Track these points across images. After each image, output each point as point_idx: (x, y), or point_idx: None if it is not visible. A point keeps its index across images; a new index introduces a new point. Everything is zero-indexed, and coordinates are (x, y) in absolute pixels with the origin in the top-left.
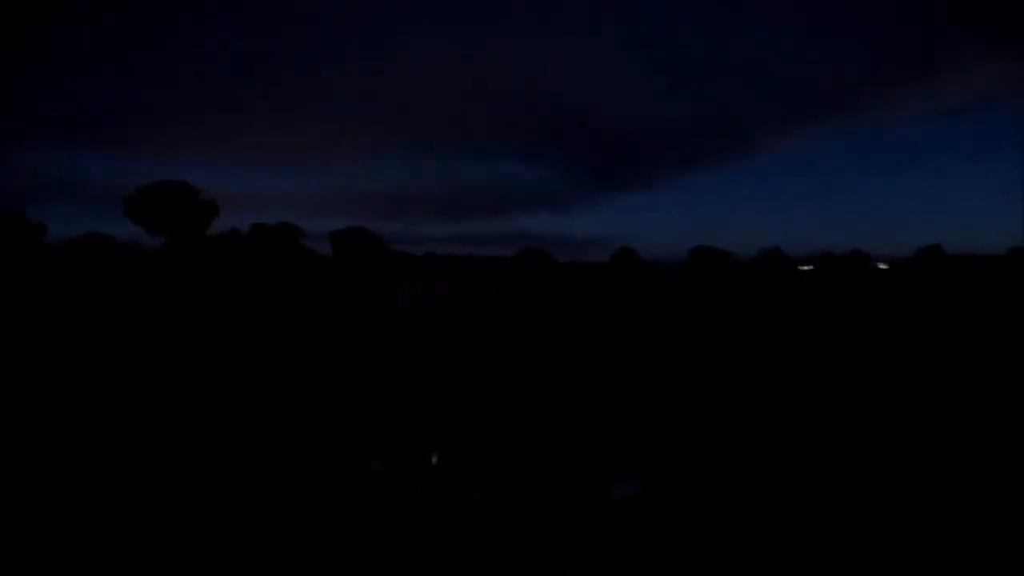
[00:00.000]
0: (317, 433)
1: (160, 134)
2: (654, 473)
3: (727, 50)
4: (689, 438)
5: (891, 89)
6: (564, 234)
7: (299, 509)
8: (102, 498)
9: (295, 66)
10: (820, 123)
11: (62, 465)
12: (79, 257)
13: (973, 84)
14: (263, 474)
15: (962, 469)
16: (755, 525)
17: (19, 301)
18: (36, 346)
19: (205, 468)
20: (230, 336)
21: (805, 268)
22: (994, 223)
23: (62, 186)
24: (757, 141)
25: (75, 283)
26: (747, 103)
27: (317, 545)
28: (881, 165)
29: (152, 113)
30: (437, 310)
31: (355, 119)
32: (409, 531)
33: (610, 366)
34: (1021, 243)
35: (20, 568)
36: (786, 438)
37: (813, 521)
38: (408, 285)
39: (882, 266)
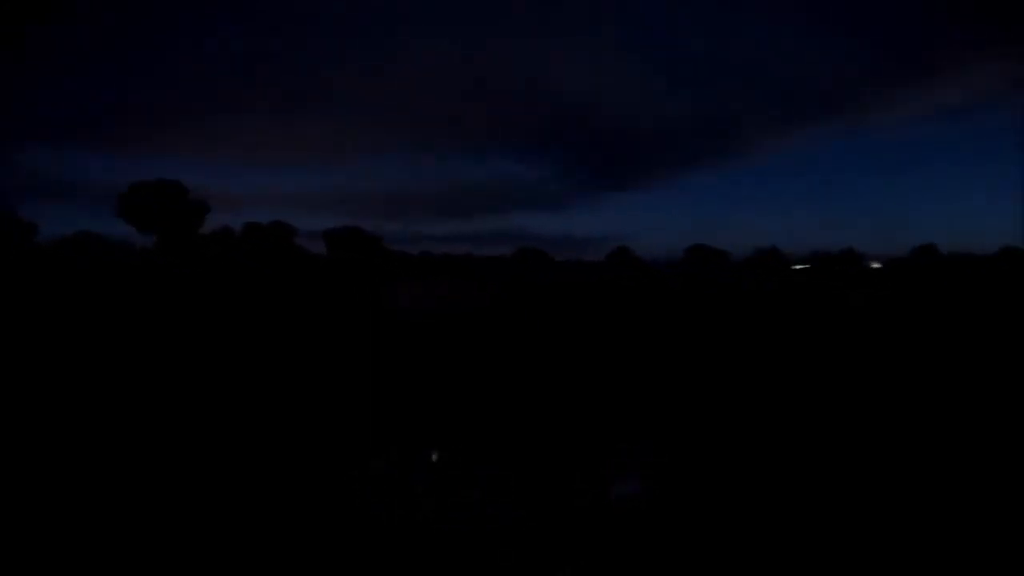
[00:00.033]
0: (317, 433)
1: (160, 134)
2: (654, 473)
3: (726, 50)
4: (689, 438)
5: (890, 89)
6: (560, 233)
7: (299, 509)
8: (101, 499)
9: (295, 66)
10: (818, 123)
11: (60, 466)
12: (70, 256)
13: (972, 84)
14: (263, 474)
15: (961, 469)
16: (755, 525)
17: (7, 302)
18: (27, 347)
19: (205, 468)
20: (229, 335)
21: (799, 267)
22: (993, 222)
23: (62, 186)
24: (755, 141)
25: (66, 283)
26: (745, 103)
27: (317, 545)
28: (878, 165)
29: (152, 113)
30: (437, 310)
31: (355, 119)
32: (409, 531)
33: (610, 366)
34: (1016, 242)
35: (20, 568)
36: (786, 438)
37: (813, 521)
38: (408, 285)
39: (875, 265)
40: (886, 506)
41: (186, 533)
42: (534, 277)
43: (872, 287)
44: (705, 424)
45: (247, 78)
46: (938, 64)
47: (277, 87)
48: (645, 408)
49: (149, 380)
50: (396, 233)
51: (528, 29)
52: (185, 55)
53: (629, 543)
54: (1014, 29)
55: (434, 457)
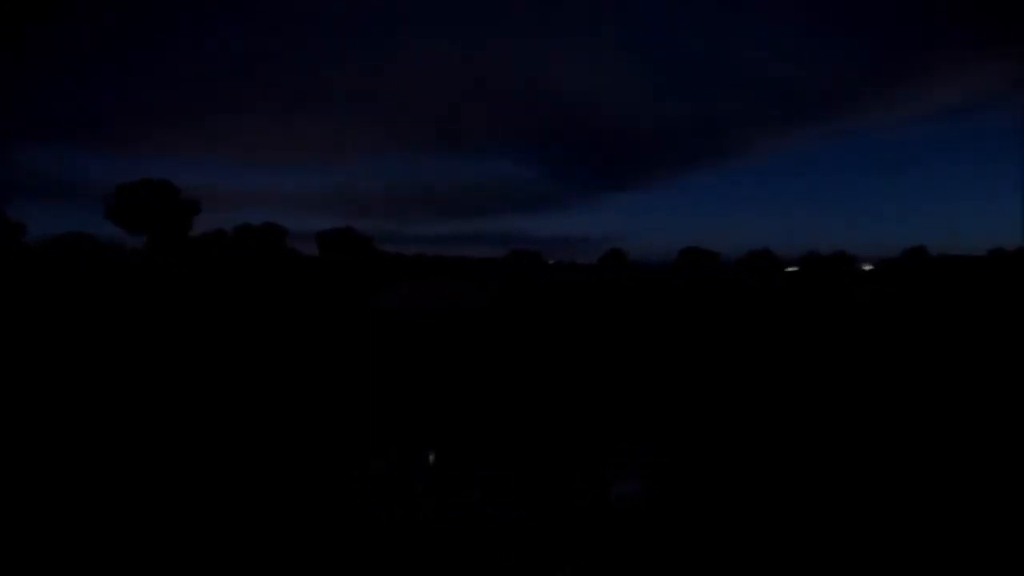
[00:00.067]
0: (317, 433)
1: (159, 134)
2: (654, 473)
3: (726, 50)
4: (689, 438)
5: (890, 89)
6: (555, 234)
7: (299, 509)
8: (98, 502)
9: (295, 66)
10: (818, 123)
11: (54, 469)
12: (56, 257)
13: (972, 84)
14: (263, 474)
15: (960, 469)
16: (755, 525)
17: None
18: (10, 349)
19: (205, 469)
20: (229, 336)
21: (791, 269)
22: (993, 222)
23: (62, 186)
24: (754, 141)
25: (48, 284)
26: (745, 103)
27: (317, 545)
28: (877, 165)
29: (152, 113)
30: (437, 310)
31: (354, 119)
32: (409, 531)
33: (610, 366)
34: (1017, 241)
35: (20, 568)
36: (787, 437)
37: (813, 520)
38: (408, 285)
39: (867, 267)
40: (886, 505)
41: (185, 534)
42: (528, 278)
43: (864, 288)
44: (705, 424)
45: (247, 78)
46: (938, 64)
47: (277, 87)
48: (645, 408)
49: (147, 381)
50: (389, 234)
51: (528, 29)
52: (185, 55)
53: (629, 543)
54: (1014, 29)
55: (433, 457)
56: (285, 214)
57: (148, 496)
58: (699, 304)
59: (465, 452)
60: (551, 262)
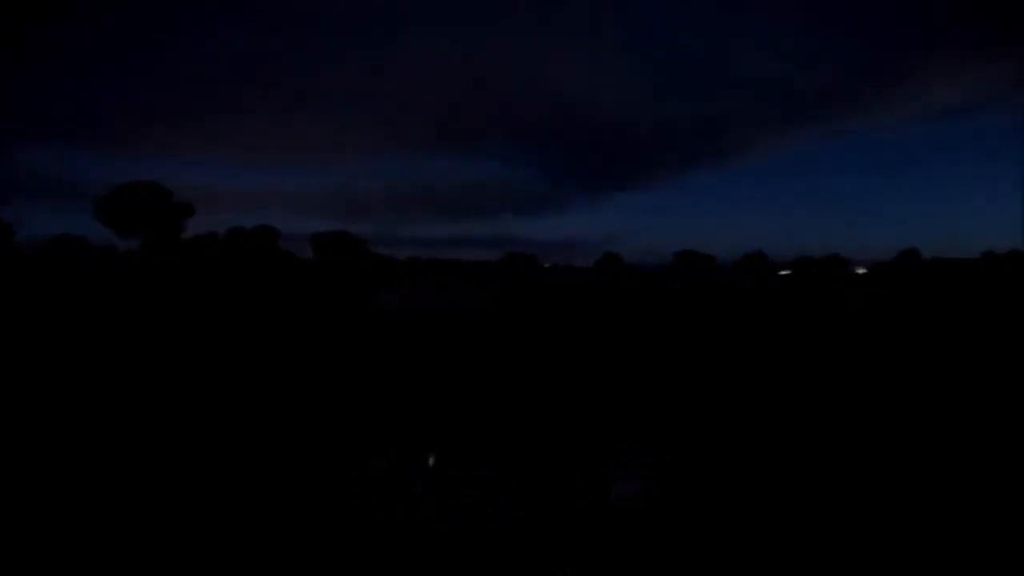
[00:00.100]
0: (317, 433)
1: (159, 134)
2: (654, 473)
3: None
4: (689, 438)
5: (890, 89)
6: (551, 237)
7: (299, 509)
8: (98, 502)
9: (295, 66)
10: (815, 124)
11: (55, 469)
12: (48, 258)
13: (972, 84)
14: (263, 474)
15: (959, 468)
16: (755, 524)
17: None
18: (11, 351)
19: (206, 469)
20: (229, 337)
21: (784, 272)
22: (993, 223)
23: (62, 186)
24: (750, 142)
25: (33, 285)
26: (741, 104)
27: (317, 545)
28: (877, 166)
29: (152, 113)
30: (437, 310)
31: (354, 119)
32: (409, 531)
33: (610, 366)
34: (1017, 242)
35: (20, 568)
36: (786, 437)
37: (813, 520)
38: (408, 285)
39: (860, 270)
40: (884, 506)
41: (186, 534)
42: (528, 280)
43: (858, 292)
44: (705, 424)
45: (247, 78)
46: (938, 64)
47: (277, 87)
48: (645, 408)
49: (147, 382)
50: (384, 236)
51: (528, 29)
52: (185, 55)
53: (629, 543)
54: (1014, 29)
55: (433, 457)
56: (285, 214)
57: (148, 497)
58: (697, 306)
59: (465, 452)
60: (546, 265)
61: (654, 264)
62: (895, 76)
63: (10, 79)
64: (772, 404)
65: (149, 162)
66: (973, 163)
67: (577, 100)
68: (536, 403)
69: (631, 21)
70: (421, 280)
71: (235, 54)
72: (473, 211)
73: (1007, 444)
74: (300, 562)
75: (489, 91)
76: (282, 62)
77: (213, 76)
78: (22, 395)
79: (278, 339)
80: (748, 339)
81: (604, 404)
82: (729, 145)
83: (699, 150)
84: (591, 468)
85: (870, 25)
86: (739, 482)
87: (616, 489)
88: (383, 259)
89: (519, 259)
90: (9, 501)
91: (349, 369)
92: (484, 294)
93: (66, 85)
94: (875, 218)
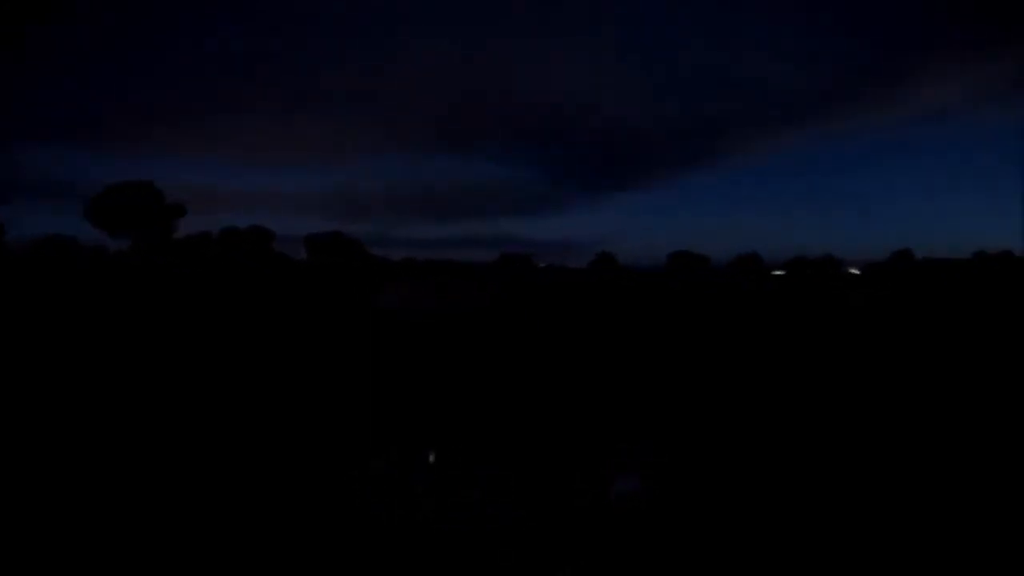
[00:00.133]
0: (317, 433)
1: (159, 134)
2: (654, 473)
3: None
4: (689, 438)
5: (889, 89)
6: (547, 237)
7: (299, 509)
8: (97, 504)
9: (295, 66)
10: (814, 124)
11: (54, 470)
12: (37, 258)
13: (972, 84)
14: (264, 474)
15: (959, 470)
16: (755, 525)
17: None
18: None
19: (206, 469)
20: (228, 337)
21: (778, 273)
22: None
23: (62, 186)
24: (750, 142)
25: (34, 285)
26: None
27: (317, 545)
28: (873, 166)
29: (152, 113)
30: (437, 310)
31: (354, 119)
32: (409, 531)
33: (610, 366)
34: (1017, 242)
35: (20, 568)
36: (787, 437)
37: (813, 520)
38: (408, 285)
39: (853, 271)
40: (884, 506)
41: (186, 535)
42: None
43: (858, 292)
44: (705, 424)
45: (247, 78)
46: (938, 64)
47: (277, 87)
48: (645, 408)
49: (147, 383)
50: (379, 237)
51: (528, 29)
52: (185, 55)
53: (629, 543)
54: (1014, 29)
55: (433, 457)
56: (285, 214)
57: (144, 500)
58: (697, 306)
59: (465, 452)
60: (542, 265)
61: (649, 265)
62: (895, 76)
63: (10, 79)
64: (773, 404)
65: (149, 162)
66: (973, 163)
67: (577, 100)
68: (536, 403)
69: (631, 21)
70: (421, 280)
71: (235, 54)
72: (472, 211)
73: (1000, 442)
74: (300, 562)
75: (489, 91)
76: (282, 62)
77: (213, 76)
78: (10, 397)
79: (277, 339)
80: (749, 339)
81: (604, 404)
82: (728, 145)
83: (698, 150)
84: (591, 468)
85: (869, 25)
86: (739, 482)
87: (616, 489)
88: (377, 260)
89: (514, 260)
90: (1, 503)
91: (349, 369)
92: (484, 294)
93: (66, 85)
94: (875, 218)
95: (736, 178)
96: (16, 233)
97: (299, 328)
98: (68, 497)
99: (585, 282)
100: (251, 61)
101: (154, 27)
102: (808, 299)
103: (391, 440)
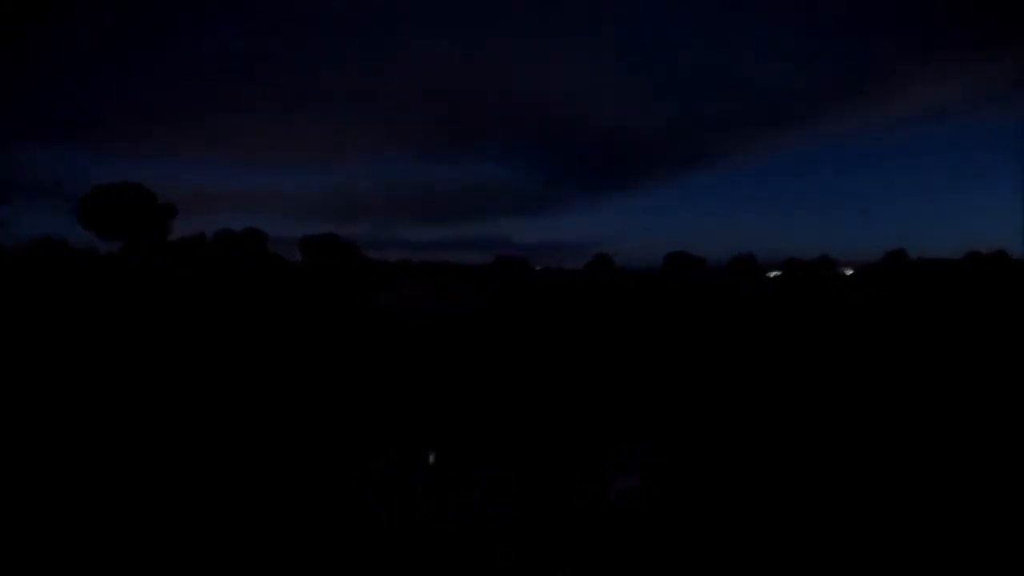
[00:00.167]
0: (317, 433)
1: (159, 134)
2: (654, 473)
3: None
4: (689, 438)
5: (889, 89)
6: (544, 239)
7: (299, 509)
8: (96, 505)
9: (295, 66)
10: (814, 124)
11: (53, 470)
12: (28, 259)
13: (972, 84)
14: (264, 474)
15: (955, 469)
16: (755, 524)
17: None
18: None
19: (206, 470)
20: (228, 338)
21: (774, 274)
22: (993, 223)
23: (61, 186)
24: (749, 142)
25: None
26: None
27: (317, 545)
28: (873, 166)
29: (152, 113)
30: (437, 310)
31: (354, 119)
32: (409, 531)
33: (610, 366)
34: (1017, 242)
35: (20, 568)
36: (787, 437)
37: (812, 520)
38: (408, 285)
39: (848, 271)
40: (884, 506)
41: (186, 535)
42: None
43: (857, 292)
44: (705, 424)
45: (247, 78)
46: (938, 64)
47: (277, 87)
48: (645, 408)
49: (147, 383)
50: (375, 239)
51: (528, 29)
52: (185, 55)
53: (629, 543)
54: (1014, 29)
55: (433, 457)
56: (285, 215)
57: (143, 500)
58: (697, 306)
59: (465, 452)
60: (538, 268)
61: (645, 266)
62: (894, 76)
63: (10, 79)
64: (773, 404)
65: (149, 162)
66: (973, 163)
67: (576, 101)
68: (536, 403)
69: (630, 22)
70: (420, 280)
71: (235, 54)
72: (470, 212)
73: (995, 442)
74: (300, 562)
75: (488, 91)
76: (282, 62)
77: (213, 76)
78: (24, 395)
79: (278, 339)
80: (749, 339)
81: (604, 404)
82: (727, 145)
83: (697, 151)
84: (591, 468)
85: (869, 25)
86: (739, 482)
87: (616, 488)
88: (373, 262)
89: (510, 262)
90: (5, 499)
91: (349, 369)
92: (484, 294)
93: (66, 85)
94: (874, 218)
95: (735, 178)
96: (14, 233)
97: (298, 328)
98: (64, 499)
99: (581, 283)
100: (251, 61)
101: (154, 27)
102: (803, 300)
103: (391, 440)
